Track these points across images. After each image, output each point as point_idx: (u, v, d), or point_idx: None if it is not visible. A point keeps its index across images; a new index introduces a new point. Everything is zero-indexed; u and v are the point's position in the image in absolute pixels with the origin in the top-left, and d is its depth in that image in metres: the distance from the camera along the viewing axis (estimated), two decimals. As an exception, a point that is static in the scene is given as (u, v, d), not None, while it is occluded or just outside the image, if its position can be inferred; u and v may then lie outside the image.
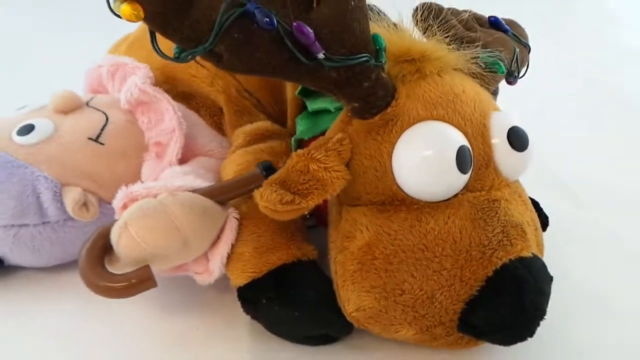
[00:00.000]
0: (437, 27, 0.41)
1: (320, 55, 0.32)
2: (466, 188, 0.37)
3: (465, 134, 0.36)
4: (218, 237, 0.42)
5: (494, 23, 0.48)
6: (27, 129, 0.47)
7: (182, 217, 0.39)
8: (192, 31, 0.30)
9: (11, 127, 0.48)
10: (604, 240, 0.53)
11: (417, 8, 0.44)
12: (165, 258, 0.40)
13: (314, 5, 0.32)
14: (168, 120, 0.49)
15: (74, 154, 0.48)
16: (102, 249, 0.40)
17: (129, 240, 0.38)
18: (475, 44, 0.41)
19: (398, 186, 0.36)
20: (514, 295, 0.34)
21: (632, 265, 0.51)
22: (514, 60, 0.46)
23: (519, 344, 0.36)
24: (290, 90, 0.49)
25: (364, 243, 0.37)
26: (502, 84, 0.47)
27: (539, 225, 0.41)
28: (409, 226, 0.36)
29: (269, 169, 0.41)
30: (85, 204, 0.46)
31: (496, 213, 0.36)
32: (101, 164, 0.49)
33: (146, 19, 0.29)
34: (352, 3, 0.33)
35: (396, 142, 0.36)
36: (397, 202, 0.36)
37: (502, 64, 0.42)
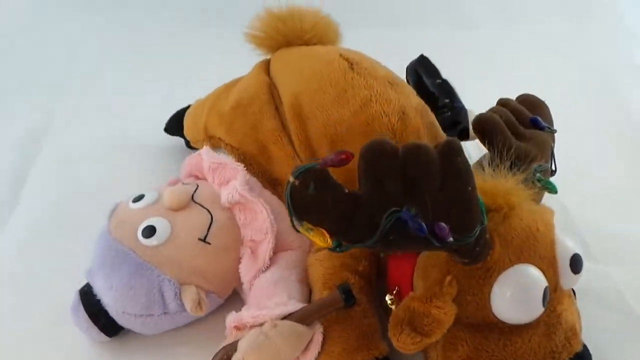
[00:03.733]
0: (504, 165, 0.49)
1: (450, 240, 0.39)
2: None
3: (542, 269, 0.46)
4: (306, 348, 0.51)
5: (534, 122, 0.56)
6: (150, 231, 0.55)
7: (283, 346, 0.49)
8: (356, 234, 0.39)
9: (136, 225, 0.56)
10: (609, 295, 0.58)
11: (473, 127, 0.53)
12: None
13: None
14: (262, 220, 0.58)
15: (187, 254, 0.56)
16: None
17: None
18: (530, 161, 0.51)
19: (494, 315, 0.46)
20: None
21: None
22: (552, 158, 0.56)
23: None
24: None
25: (466, 355, 0.47)
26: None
27: (578, 310, 0.52)
28: (503, 345, 0.47)
29: (347, 292, 0.51)
30: (199, 303, 0.55)
31: (560, 324, 0.48)
32: (208, 260, 0.57)
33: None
34: (470, 188, 0.40)
35: (494, 283, 0.45)
36: (491, 324, 0.47)
37: (555, 186, 0.52)
